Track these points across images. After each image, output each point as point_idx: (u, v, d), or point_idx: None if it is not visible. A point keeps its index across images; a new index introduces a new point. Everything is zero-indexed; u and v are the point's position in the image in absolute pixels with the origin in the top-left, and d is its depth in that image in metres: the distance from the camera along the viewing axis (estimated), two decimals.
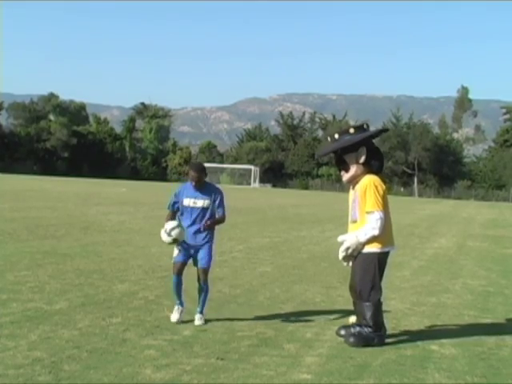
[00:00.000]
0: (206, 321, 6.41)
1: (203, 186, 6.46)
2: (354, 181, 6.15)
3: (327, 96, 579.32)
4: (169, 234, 6.26)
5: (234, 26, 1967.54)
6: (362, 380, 4.87)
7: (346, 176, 6.19)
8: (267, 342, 5.78)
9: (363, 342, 5.86)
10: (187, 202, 6.43)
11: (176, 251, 6.48)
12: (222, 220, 6.62)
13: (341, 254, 6.05)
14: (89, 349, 5.26)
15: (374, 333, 5.94)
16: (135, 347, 5.40)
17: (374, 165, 6.12)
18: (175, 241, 6.32)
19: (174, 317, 6.34)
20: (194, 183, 6.40)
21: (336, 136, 6.24)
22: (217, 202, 6.49)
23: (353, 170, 6.10)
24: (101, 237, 13.40)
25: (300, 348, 5.67)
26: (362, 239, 5.90)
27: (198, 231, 6.45)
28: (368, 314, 5.95)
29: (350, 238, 5.97)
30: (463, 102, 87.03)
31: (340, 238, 6.09)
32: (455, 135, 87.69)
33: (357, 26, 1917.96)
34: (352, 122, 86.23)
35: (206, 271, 6.47)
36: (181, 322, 6.31)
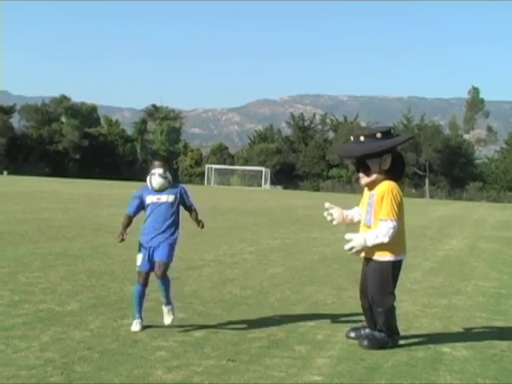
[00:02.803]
0: (216, 324, 6.41)
1: None
2: (372, 185, 6.06)
3: (338, 97, 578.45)
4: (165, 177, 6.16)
5: (245, 28, 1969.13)
6: (373, 382, 4.87)
7: (365, 180, 6.08)
8: (278, 344, 5.79)
9: (377, 345, 5.84)
10: (150, 199, 6.22)
11: (140, 258, 6.21)
12: (197, 212, 6.54)
13: (345, 248, 6.02)
14: (100, 350, 5.28)
15: (388, 337, 5.92)
16: (146, 348, 5.42)
17: (395, 173, 6.02)
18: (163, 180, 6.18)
19: (136, 328, 6.03)
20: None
21: (362, 138, 6.06)
22: (184, 196, 6.37)
23: (374, 175, 5.99)
24: (112, 238, 13.40)
25: (311, 350, 5.67)
26: (370, 243, 5.84)
27: (162, 229, 6.18)
28: (381, 320, 5.93)
29: (357, 239, 5.92)
30: (475, 103, 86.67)
31: (348, 236, 6.01)
32: (466, 136, 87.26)
33: (368, 28, 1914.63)
34: (363, 124, 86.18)
35: (165, 264, 6.13)
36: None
